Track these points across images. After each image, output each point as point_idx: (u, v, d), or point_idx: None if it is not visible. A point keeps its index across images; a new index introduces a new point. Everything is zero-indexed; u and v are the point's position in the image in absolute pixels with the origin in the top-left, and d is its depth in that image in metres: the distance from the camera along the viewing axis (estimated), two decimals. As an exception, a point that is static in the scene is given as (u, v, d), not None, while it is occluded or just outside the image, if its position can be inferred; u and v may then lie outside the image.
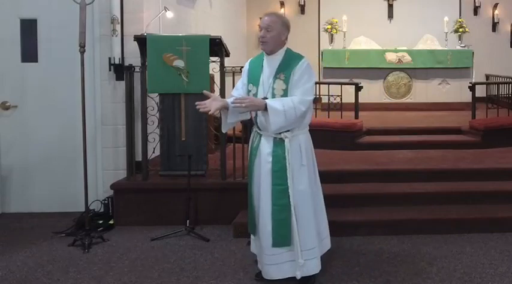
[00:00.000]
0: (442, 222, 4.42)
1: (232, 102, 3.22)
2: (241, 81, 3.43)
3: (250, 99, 3.16)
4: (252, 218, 3.42)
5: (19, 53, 4.86)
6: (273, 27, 3.22)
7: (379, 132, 6.49)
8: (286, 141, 3.22)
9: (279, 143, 3.24)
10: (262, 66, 3.32)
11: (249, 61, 3.47)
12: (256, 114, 3.29)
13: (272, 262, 3.25)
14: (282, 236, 3.21)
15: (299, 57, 3.29)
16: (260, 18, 3.48)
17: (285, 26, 3.30)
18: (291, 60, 3.26)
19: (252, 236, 3.54)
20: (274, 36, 3.23)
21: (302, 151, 3.28)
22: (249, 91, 3.34)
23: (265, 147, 3.27)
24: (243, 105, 3.12)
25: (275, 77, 3.24)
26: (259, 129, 3.33)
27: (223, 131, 3.54)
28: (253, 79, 3.33)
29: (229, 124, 3.40)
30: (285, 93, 3.22)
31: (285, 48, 3.33)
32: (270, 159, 3.24)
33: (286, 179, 3.21)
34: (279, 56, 3.29)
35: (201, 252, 3.98)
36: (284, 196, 3.21)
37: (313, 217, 3.32)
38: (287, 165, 3.21)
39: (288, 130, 3.23)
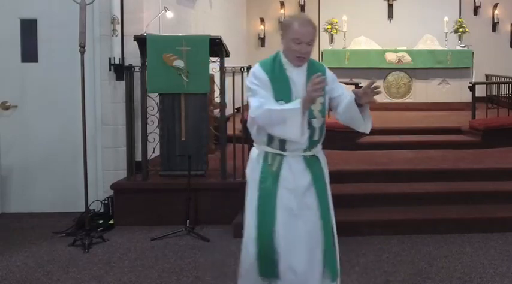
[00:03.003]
0: (442, 222, 4.42)
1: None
2: (267, 95, 2.61)
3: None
4: (270, 257, 2.69)
5: (19, 53, 4.86)
6: (313, 40, 2.65)
7: (379, 132, 6.47)
8: (320, 156, 2.78)
9: (312, 161, 2.72)
10: (287, 76, 2.68)
11: (261, 69, 2.67)
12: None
13: None
14: (334, 266, 2.74)
15: (319, 62, 2.88)
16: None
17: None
18: (316, 67, 2.75)
19: None
20: (312, 49, 2.68)
21: (327, 168, 2.87)
22: None
23: (296, 168, 2.68)
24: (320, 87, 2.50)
25: None
26: (283, 150, 2.69)
27: (303, 137, 2.61)
28: (282, 94, 2.63)
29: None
30: (323, 108, 2.70)
31: None
32: (308, 179, 2.69)
33: (328, 200, 2.76)
34: (304, 65, 2.72)
35: (201, 252, 3.98)
36: (330, 220, 2.75)
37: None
38: (326, 184, 2.76)
39: (316, 146, 2.77)
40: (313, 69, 2.70)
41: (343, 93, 2.76)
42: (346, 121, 2.76)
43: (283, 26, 2.68)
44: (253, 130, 2.72)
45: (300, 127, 2.52)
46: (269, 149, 2.71)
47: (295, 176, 2.68)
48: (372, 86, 2.56)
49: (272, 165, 2.70)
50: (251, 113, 2.62)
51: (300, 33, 2.58)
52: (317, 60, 2.86)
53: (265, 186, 2.70)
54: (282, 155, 2.69)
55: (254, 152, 2.78)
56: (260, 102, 2.57)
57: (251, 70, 2.71)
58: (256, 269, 2.71)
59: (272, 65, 2.69)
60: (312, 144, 2.71)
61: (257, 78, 2.64)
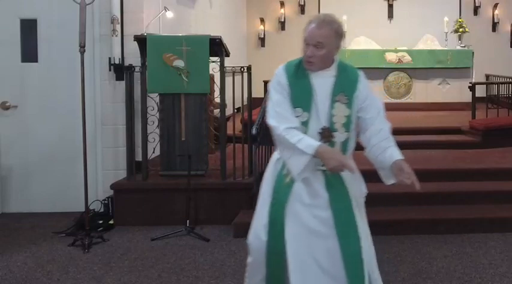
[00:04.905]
0: (442, 222, 4.42)
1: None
2: (285, 102, 2.40)
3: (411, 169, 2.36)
4: (279, 276, 2.48)
5: (19, 53, 4.87)
6: (324, 43, 2.34)
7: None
8: (346, 174, 2.47)
9: (334, 178, 2.44)
10: (310, 82, 2.43)
11: (284, 72, 2.45)
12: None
13: None
14: None
15: (354, 69, 2.51)
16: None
17: (339, 36, 2.41)
18: (347, 74, 2.46)
19: None
20: (324, 54, 2.37)
21: (360, 176, 2.59)
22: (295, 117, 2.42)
23: (312, 184, 2.43)
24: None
25: (333, 100, 2.41)
26: None
27: (300, 176, 2.39)
28: (301, 101, 2.40)
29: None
30: (348, 121, 2.42)
31: (337, 59, 2.48)
32: (324, 199, 2.42)
33: (353, 226, 2.47)
34: (332, 71, 2.44)
35: (201, 252, 3.98)
36: (357, 250, 2.43)
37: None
38: (350, 207, 2.50)
39: None
40: (344, 76, 2.44)
41: (373, 116, 2.47)
42: (372, 161, 2.55)
43: None
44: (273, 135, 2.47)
45: (302, 168, 2.34)
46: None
47: (310, 192, 2.42)
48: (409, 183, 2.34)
49: (287, 175, 2.44)
50: (267, 120, 2.44)
51: (307, 33, 2.37)
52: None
53: (277, 196, 2.47)
54: None
55: (275, 156, 2.56)
56: (275, 111, 2.39)
57: (275, 71, 2.48)
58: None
59: (297, 67, 2.45)
60: None
61: (277, 82, 2.44)
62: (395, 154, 2.45)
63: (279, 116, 2.38)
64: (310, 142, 2.32)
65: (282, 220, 2.41)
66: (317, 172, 2.42)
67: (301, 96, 2.41)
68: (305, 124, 2.39)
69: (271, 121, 2.40)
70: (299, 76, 2.43)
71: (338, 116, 2.41)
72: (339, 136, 2.43)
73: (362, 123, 2.48)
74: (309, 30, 2.37)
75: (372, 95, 2.52)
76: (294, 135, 2.34)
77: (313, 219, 2.41)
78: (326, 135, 2.41)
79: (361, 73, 2.51)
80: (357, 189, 2.57)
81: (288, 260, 2.39)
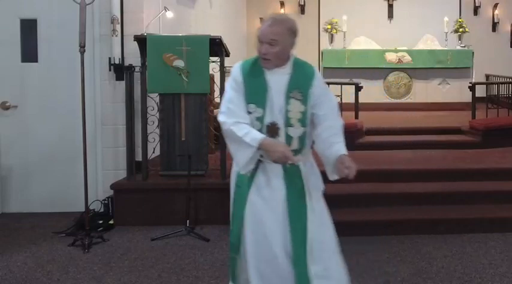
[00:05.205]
0: (442, 222, 4.42)
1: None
2: (238, 99, 2.50)
3: (353, 164, 2.43)
4: (237, 266, 2.63)
5: (19, 53, 4.87)
6: (277, 40, 2.43)
7: (379, 132, 6.49)
8: (304, 167, 2.56)
9: (292, 171, 2.52)
10: (265, 79, 2.51)
11: (239, 69, 2.54)
12: None
13: None
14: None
15: (309, 66, 2.60)
16: (260, 18, 2.70)
17: (293, 33, 2.50)
18: (303, 72, 2.55)
19: None
20: (279, 51, 2.45)
21: (318, 172, 2.66)
22: (248, 113, 2.50)
23: (272, 176, 2.52)
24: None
25: (288, 97, 2.49)
26: (260, 156, 2.50)
27: (246, 169, 2.51)
28: (255, 97, 2.49)
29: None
30: (303, 117, 2.51)
31: (292, 57, 2.57)
32: (282, 192, 2.51)
33: (306, 210, 2.52)
34: (287, 68, 2.53)
35: (201, 252, 3.98)
36: (304, 231, 2.50)
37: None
38: (306, 193, 2.54)
39: (296, 156, 2.53)
40: (299, 73, 2.53)
41: (326, 113, 2.54)
42: (320, 156, 2.60)
43: None
44: None
45: (247, 161, 2.45)
46: None
47: (270, 185, 2.51)
48: (347, 173, 2.41)
49: (244, 173, 2.54)
50: (218, 117, 2.53)
51: (260, 32, 2.48)
52: (320, 60, 2.62)
53: (239, 190, 2.57)
54: (258, 160, 2.51)
55: None
56: (227, 107, 2.49)
57: (232, 69, 2.60)
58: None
59: (252, 65, 2.54)
60: None
61: (233, 78, 2.54)
62: (341, 149, 2.52)
63: (230, 112, 2.48)
64: (255, 136, 2.42)
65: (243, 218, 2.52)
66: (276, 165, 2.49)
67: (255, 93, 2.49)
68: (260, 119, 2.49)
69: (221, 117, 2.50)
70: (254, 74, 2.51)
71: (293, 112, 2.50)
72: (296, 132, 2.52)
73: (316, 119, 2.56)
74: (263, 28, 2.47)
75: (327, 92, 2.62)
76: (241, 129, 2.43)
77: (271, 218, 2.49)
78: (272, 129, 2.49)
79: (316, 70, 2.60)
80: (314, 183, 2.62)
81: (247, 258, 2.50)
